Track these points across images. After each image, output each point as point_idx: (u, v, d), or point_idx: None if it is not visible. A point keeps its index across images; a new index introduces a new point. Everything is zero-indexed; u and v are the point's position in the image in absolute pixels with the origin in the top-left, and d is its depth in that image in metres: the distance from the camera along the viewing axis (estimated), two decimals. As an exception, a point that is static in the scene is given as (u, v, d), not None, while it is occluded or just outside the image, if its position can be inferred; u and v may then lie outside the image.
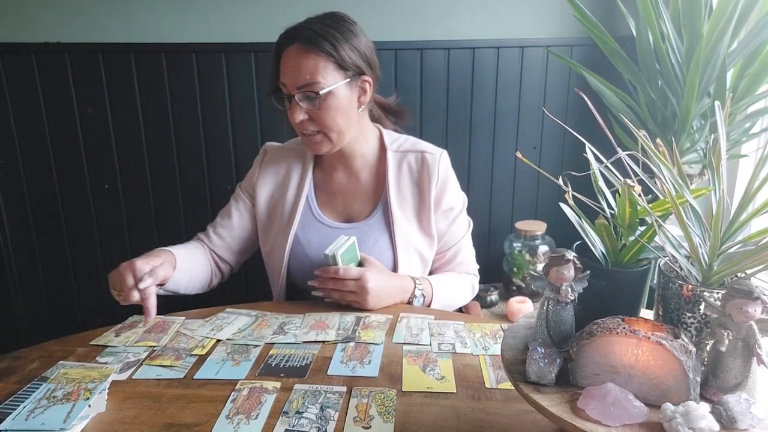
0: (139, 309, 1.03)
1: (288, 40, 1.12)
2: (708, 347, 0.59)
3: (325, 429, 0.75)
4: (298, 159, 1.32)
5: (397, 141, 1.30)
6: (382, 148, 1.29)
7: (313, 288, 1.13)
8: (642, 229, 0.66)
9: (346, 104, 1.15)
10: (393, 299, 1.15)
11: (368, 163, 1.29)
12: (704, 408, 0.51)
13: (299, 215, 1.26)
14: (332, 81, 1.11)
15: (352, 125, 1.19)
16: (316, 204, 1.28)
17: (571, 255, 0.63)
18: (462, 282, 1.31)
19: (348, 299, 1.11)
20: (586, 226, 0.69)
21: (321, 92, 1.10)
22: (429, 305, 1.21)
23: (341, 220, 1.28)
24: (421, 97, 2.04)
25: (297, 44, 1.11)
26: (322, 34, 1.11)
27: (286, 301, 1.26)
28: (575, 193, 0.67)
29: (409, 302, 1.18)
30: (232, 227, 1.31)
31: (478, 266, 1.38)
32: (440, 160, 1.26)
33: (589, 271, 0.64)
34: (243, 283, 2.21)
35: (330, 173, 1.30)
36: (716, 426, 0.51)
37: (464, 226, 1.33)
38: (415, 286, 1.18)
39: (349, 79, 1.14)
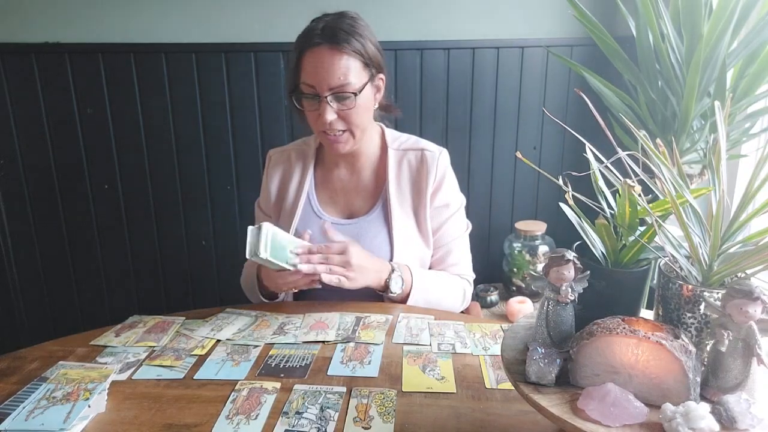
0: (139, 309, 1.03)
1: (313, 40, 1.11)
2: (708, 347, 0.59)
3: (325, 429, 0.75)
4: (300, 157, 1.32)
5: (398, 139, 1.32)
6: (384, 146, 1.30)
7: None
8: (642, 229, 0.66)
9: (370, 102, 1.18)
10: (372, 276, 1.12)
11: (370, 161, 1.30)
12: (704, 408, 0.51)
13: (300, 211, 1.27)
14: (362, 80, 1.13)
15: (370, 123, 1.23)
16: (317, 200, 1.29)
17: (571, 255, 0.63)
18: (452, 283, 1.27)
19: (335, 273, 1.07)
20: (586, 226, 0.69)
21: (357, 92, 1.12)
22: (408, 294, 1.17)
23: (343, 216, 1.29)
24: (421, 97, 2.04)
25: (326, 44, 1.10)
26: (350, 32, 1.11)
27: (286, 301, 1.26)
28: (575, 193, 0.67)
29: (386, 285, 1.14)
30: None
31: (474, 275, 1.34)
32: (439, 158, 1.26)
33: (589, 272, 0.64)
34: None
35: (332, 170, 1.31)
36: (716, 426, 0.51)
37: (459, 227, 1.31)
38: (392, 269, 1.15)
39: (371, 77, 1.16)
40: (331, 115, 1.12)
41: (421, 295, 1.18)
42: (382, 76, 1.20)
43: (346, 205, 1.30)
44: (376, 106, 1.23)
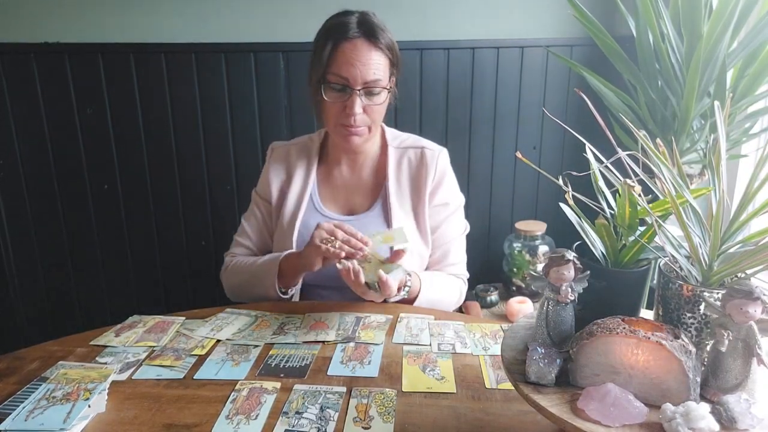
0: (139, 309, 1.03)
1: (350, 32, 1.12)
2: (708, 347, 0.59)
3: (325, 429, 0.75)
4: (303, 155, 1.33)
5: (398, 138, 1.33)
6: (384, 144, 1.32)
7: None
8: (642, 229, 0.66)
9: (387, 101, 1.21)
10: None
11: (371, 158, 1.31)
12: (704, 408, 0.51)
13: (303, 209, 1.27)
14: (388, 77, 1.17)
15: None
16: (319, 197, 1.30)
17: (571, 255, 0.63)
18: (451, 285, 1.28)
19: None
20: (586, 226, 0.69)
21: (388, 89, 1.17)
22: (413, 301, 1.17)
23: (343, 213, 1.30)
24: (421, 97, 2.04)
25: (364, 39, 1.13)
26: (383, 29, 1.15)
27: (286, 302, 1.26)
28: (575, 193, 0.67)
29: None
30: (259, 228, 1.34)
31: (468, 274, 1.34)
32: (439, 156, 1.28)
33: (589, 272, 0.64)
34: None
35: (333, 167, 1.31)
36: (716, 426, 0.51)
37: (458, 227, 1.32)
38: (405, 282, 1.14)
39: (391, 76, 1.20)
40: (359, 109, 1.14)
41: (425, 297, 1.19)
42: (396, 75, 1.23)
43: (346, 202, 1.30)
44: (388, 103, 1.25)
